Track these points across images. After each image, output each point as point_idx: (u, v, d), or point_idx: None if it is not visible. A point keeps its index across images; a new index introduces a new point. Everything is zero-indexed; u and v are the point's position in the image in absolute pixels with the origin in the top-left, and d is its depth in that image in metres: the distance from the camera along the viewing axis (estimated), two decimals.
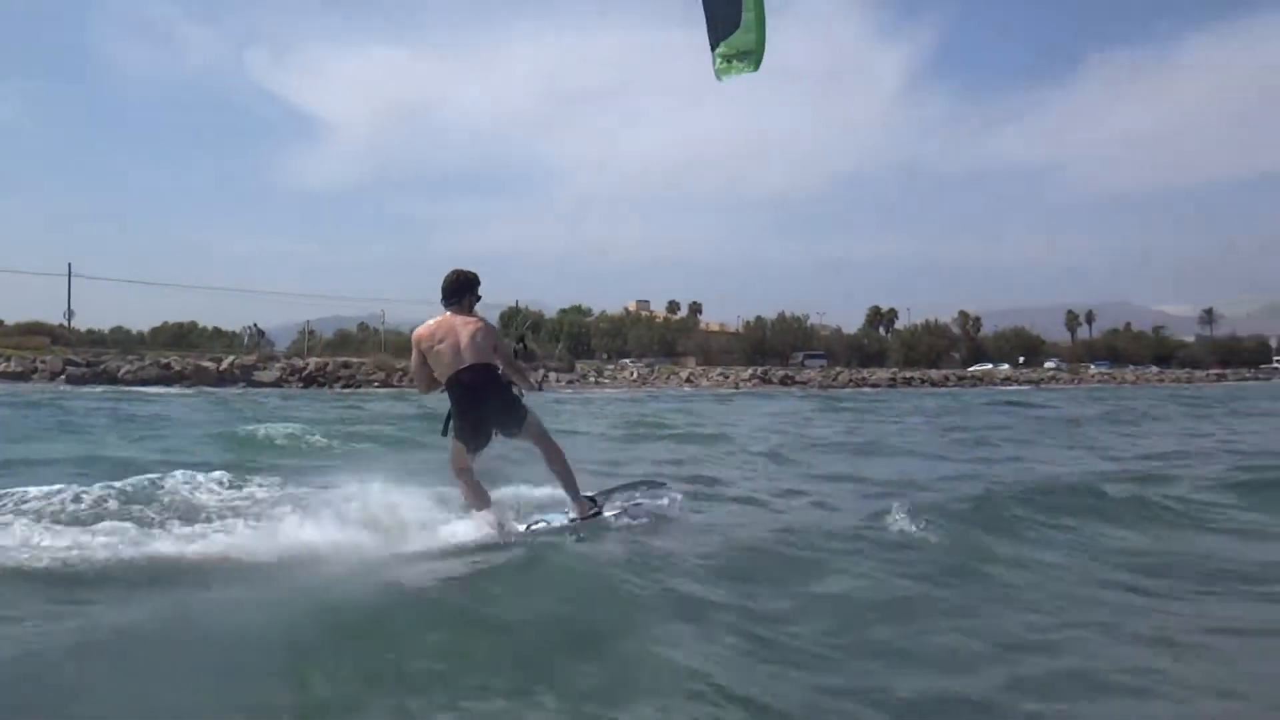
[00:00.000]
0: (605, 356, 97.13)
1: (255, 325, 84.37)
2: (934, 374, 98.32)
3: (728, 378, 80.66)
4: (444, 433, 7.25)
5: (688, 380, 78.03)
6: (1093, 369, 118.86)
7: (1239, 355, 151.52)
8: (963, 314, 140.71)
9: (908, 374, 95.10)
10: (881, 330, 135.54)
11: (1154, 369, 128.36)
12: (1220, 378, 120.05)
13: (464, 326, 7.05)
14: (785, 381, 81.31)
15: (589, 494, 7.60)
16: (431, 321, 7.17)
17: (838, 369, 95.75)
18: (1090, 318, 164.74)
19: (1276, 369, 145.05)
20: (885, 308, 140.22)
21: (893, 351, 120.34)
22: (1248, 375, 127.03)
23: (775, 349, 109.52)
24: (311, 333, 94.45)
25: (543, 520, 7.38)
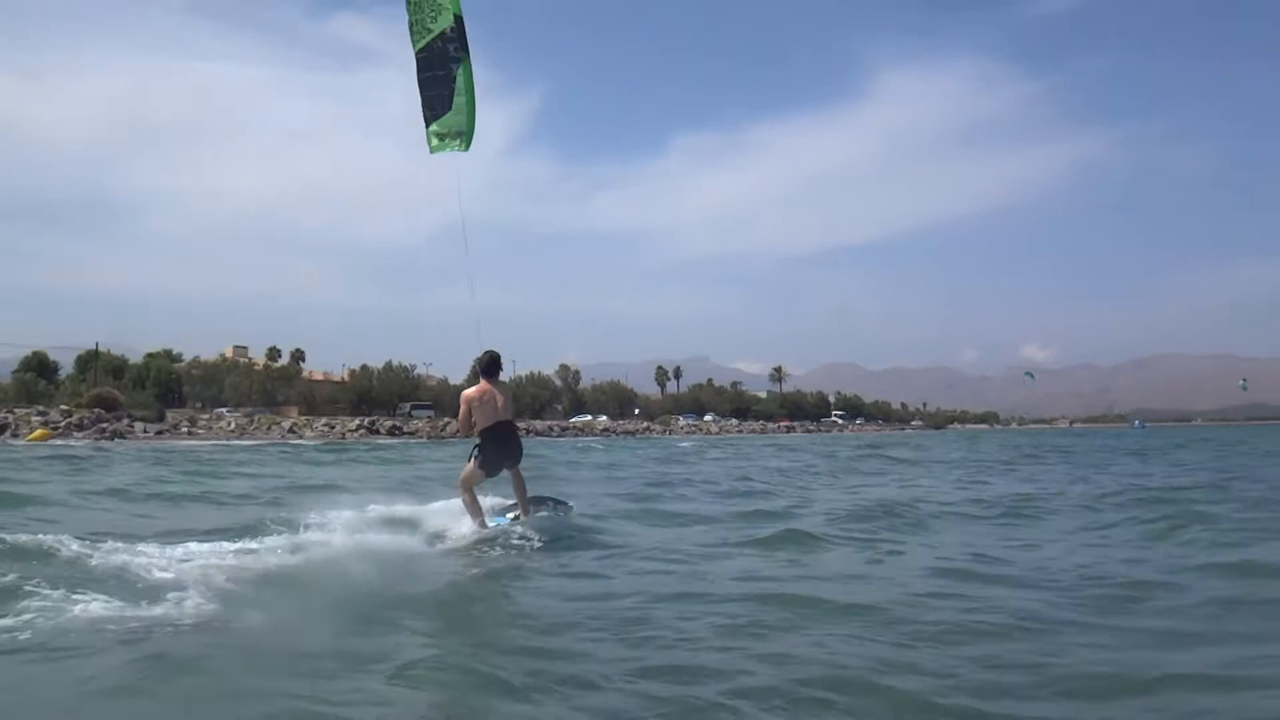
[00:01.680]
0: (200, 405, 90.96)
1: None
2: (539, 424, 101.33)
3: (333, 428, 78.41)
4: (469, 458, 10.15)
5: (290, 431, 74.99)
6: (681, 421, 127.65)
7: (803, 409, 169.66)
8: (563, 367, 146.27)
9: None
10: None
11: (734, 421, 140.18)
12: (790, 429, 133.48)
13: (501, 393, 10.24)
14: (394, 432, 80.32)
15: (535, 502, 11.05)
16: (477, 387, 10.24)
17: (446, 419, 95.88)
18: (678, 373, 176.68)
19: (836, 422, 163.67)
20: None
21: None
22: (812, 427, 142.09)
23: (382, 399, 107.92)
24: None
25: (499, 521, 10.49)
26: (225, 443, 55.09)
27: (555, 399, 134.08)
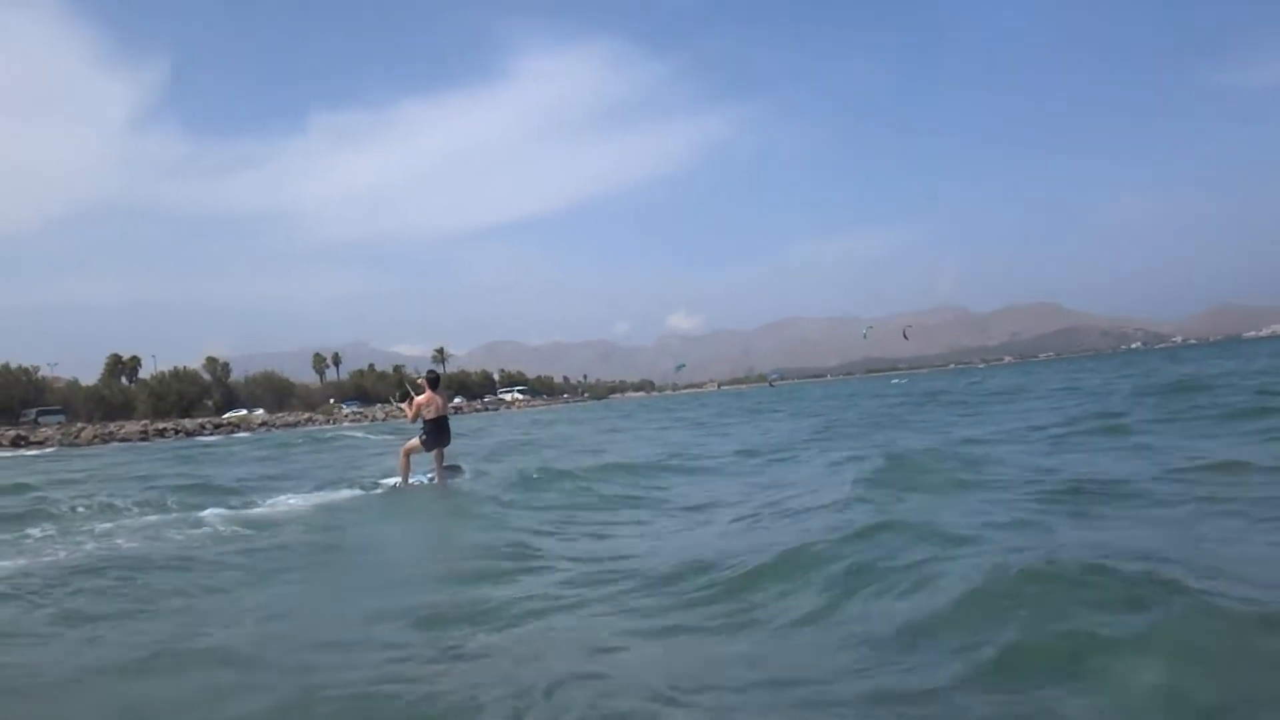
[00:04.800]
0: None
1: None
2: (189, 423, 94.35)
3: None
4: (417, 438, 14.87)
5: None
6: (345, 409, 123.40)
7: (469, 388, 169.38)
8: (210, 360, 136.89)
9: (161, 425, 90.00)
10: (125, 380, 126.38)
11: (402, 406, 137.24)
12: (458, 410, 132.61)
13: (441, 397, 15.07)
14: (19, 442, 72.01)
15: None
16: (426, 395, 14.91)
17: (80, 424, 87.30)
18: (337, 360, 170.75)
19: (518, 398, 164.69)
20: (127, 356, 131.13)
21: (140, 402, 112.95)
22: (479, 406, 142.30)
23: (2, 406, 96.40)
24: None
25: (421, 479, 15.08)
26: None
27: (205, 394, 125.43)
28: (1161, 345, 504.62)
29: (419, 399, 14.89)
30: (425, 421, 14.84)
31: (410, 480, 15.06)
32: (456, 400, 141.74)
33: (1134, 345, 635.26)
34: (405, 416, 15.15)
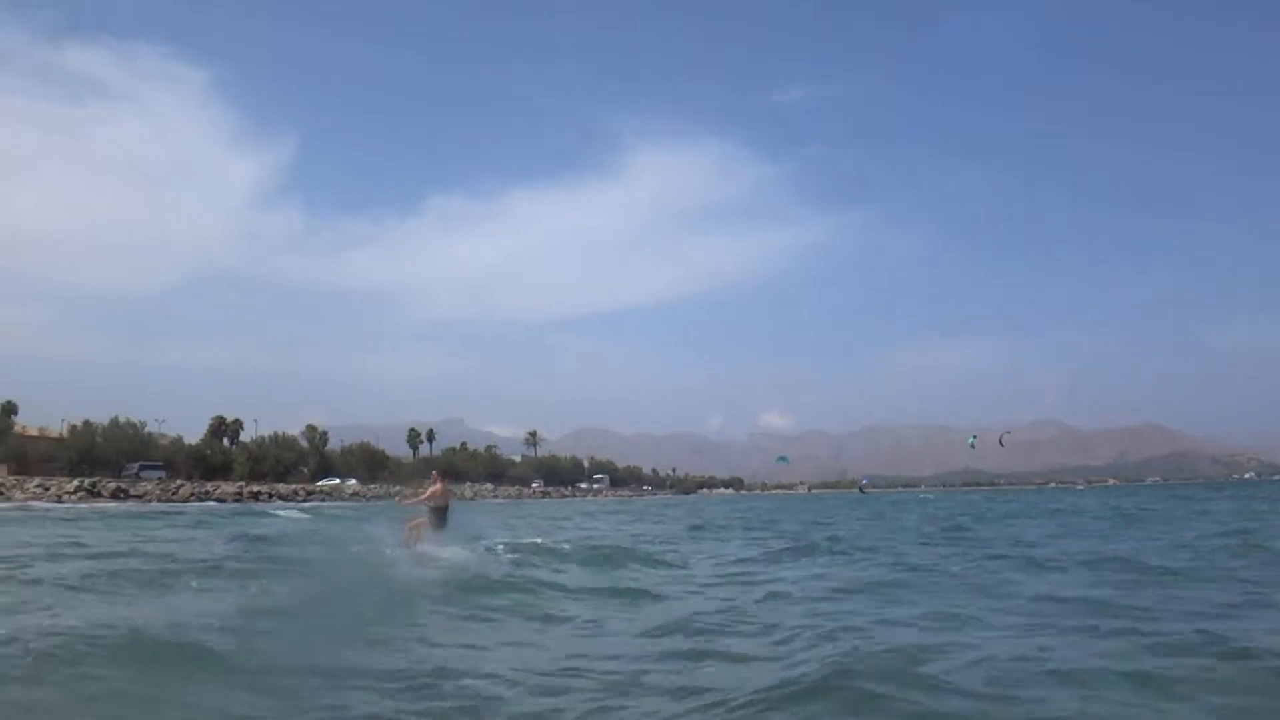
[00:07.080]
0: None
1: None
2: (283, 488, 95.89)
3: (48, 489, 71.17)
4: (427, 518, 18.23)
5: None
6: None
7: (559, 474, 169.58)
8: (310, 428, 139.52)
9: (255, 488, 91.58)
10: (226, 441, 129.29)
11: (489, 485, 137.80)
12: (545, 494, 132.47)
13: (452, 488, 21.15)
14: (118, 495, 73.78)
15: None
16: (441, 486, 18.34)
17: (179, 482, 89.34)
18: (431, 436, 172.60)
19: (588, 489, 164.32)
20: (230, 418, 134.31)
21: (239, 464, 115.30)
22: (566, 493, 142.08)
23: (107, 458, 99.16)
24: None
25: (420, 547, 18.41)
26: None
27: (301, 461, 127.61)
28: (1277, 476, 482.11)
29: (433, 488, 18.28)
30: (431, 509, 18.17)
31: (411, 547, 18.18)
32: (535, 485, 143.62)
33: (1247, 475, 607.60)
34: (412, 501, 19.08)
